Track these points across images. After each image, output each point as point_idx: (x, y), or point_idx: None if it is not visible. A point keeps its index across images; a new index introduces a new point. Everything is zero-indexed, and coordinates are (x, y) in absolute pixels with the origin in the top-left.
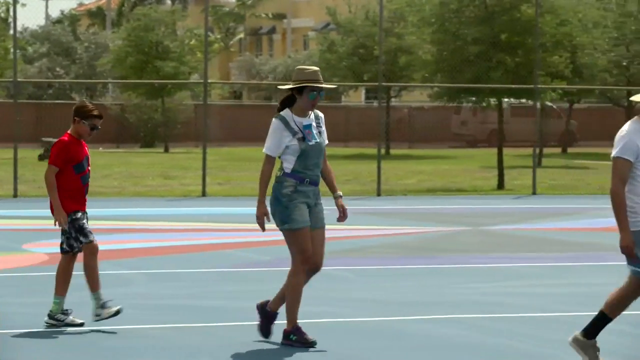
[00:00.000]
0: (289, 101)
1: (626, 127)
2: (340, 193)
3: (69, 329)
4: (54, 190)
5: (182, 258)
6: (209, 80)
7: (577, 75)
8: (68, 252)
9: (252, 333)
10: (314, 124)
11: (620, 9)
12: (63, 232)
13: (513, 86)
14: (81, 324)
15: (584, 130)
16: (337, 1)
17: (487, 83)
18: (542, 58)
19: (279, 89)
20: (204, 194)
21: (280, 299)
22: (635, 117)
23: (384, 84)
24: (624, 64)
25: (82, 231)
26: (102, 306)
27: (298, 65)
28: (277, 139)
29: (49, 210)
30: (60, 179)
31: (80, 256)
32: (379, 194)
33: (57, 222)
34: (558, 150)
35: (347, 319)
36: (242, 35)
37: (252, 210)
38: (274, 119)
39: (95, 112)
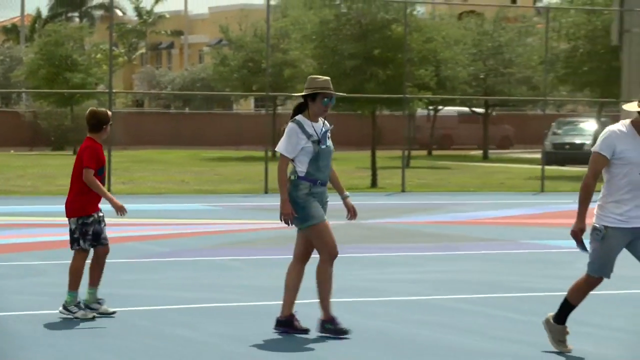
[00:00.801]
0: (301, 108)
1: (612, 127)
2: (348, 193)
3: None
4: (101, 188)
5: None
6: (114, 90)
7: (441, 87)
8: (78, 250)
9: (143, 317)
10: (323, 128)
11: (478, 29)
12: (70, 233)
13: (385, 96)
14: (113, 313)
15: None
16: (229, 20)
17: (363, 93)
18: (410, 71)
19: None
20: (109, 191)
21: (289, 302)
22: (626, 121)
23: (271, 93)
24: (482, 76)
25: (84, 237)
26: (78, 306)
27: (193, 76)
28: (294, 141)
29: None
30: (80, 183)
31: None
32: (266, 192)
33: (120, 213)
34: (440, 152)
35: (237, 304)
36: (143, 50)
37: (152, 206)
38: (290, 123)
39: (109, 116)
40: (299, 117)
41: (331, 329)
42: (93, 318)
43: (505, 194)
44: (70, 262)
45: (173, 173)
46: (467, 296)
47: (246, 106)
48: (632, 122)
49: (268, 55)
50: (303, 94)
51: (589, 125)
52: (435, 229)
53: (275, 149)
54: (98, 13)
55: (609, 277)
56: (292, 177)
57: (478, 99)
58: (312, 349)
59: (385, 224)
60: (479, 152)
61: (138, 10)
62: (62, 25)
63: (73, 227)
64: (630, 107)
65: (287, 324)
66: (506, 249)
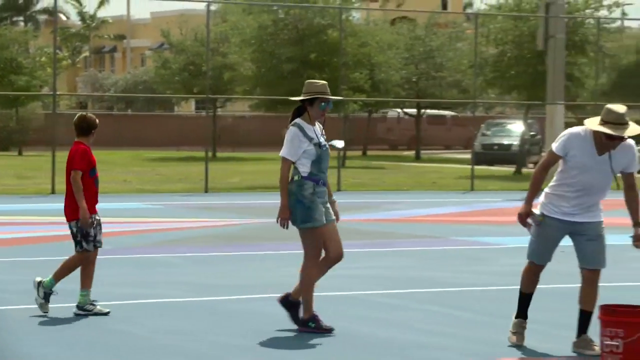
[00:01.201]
0: (299, 111)
1: (574, 129)
2: (335, 199)
3: None
4: (80, 193)
5: (34, 248)
6: (58, 92)
7: (375, 89)
8: (80, 252)
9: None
10: (319, 131)
11: (410, 34)
12: (72, 236)
13: None
14: (107, 313)
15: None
16: (170, 24)
17: (299, 95)
18: (345, 74)
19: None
20: (53, 191)
21: (307, 300)
22: (588, 128)
23: (211, 96)
24: (414, 80)
25: (86, 238)
26: (45, 297)
27: (135, 79)
28: (296, 145)
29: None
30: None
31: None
32: (206, 191)
33: (82, 224)
34: (375, 152)
35: (178, 300)
36: (87, 54)
37: (101, 205)
38: (291, 127)
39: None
40: (299, 121)
41: (314, 326)
42: (107, 313)
43: (437, 192)
44: (66, 258)
45: (116, 173)
46: (400, 291)
47: (187, 108)
48: (593, 131)
49: (208, 59)
50: (301, 98)
51: (517, 126)
52: (370, 227)
53: (280, 154)
54: (42, 17)
55: (539, 262)
56: (296, 178)
57: (410, 102)
58: (252, 342)
59: None
60: (412, 153)
61: (81, 14)
62: (7, 29)
63: (74, 230)
64: (591, 123)
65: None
66: (437, 245)
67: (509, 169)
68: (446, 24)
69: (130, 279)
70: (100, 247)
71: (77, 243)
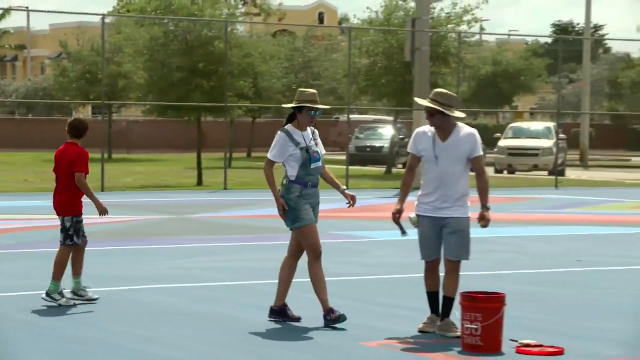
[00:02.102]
0: (291, 118)
1: (419, 129)
2: (345, 187)
3: None
4: (89, 190)
5: None
6: None
7: (258, 96)
8: (69, 245)
9: None
10: (310, 136)
11: (290, 45)
12: (64, 230)
13: (209, 104)
14: (97, 298)
15: (264, 138)
16: (67, 35)
17: (188, 102)
18: (231, 82)
19: (20, 105)
20: None
21: (282, 293)
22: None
23: (106, 102)
24: (294, 87)
25: (77, 233)
26: (61, 294)
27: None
28: (282, 148)
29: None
30: (75, 185)
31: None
32: (102, 190)
33: (102, 214)
34: (259, 153)
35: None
36: None
37: (4, 203)
38: (279, 132)
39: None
40: (288, 127)
41: (330, 319)
42: (74, 305)
43: None
44: (55, 254)
45: (18, 173)
46: (274, 281)
47: (84, 113)
48: (292, 123)
49: (103, 68)
50: (292, 105)
51: (387, 130)
52: (253, 222)
53: (268, 155)
54: None
55: (426, 259)
56: (284, 182)
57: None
58: (132, 329)
59: (209, 217)
60: None
61: None
62: None
63: (68, 224)
64: (421, 101)
65: (280, 313)
66: None
67: (380, 169)
68: (322, 37)
69: (32, 271)
70: (86, 238)
71: (68, 237)
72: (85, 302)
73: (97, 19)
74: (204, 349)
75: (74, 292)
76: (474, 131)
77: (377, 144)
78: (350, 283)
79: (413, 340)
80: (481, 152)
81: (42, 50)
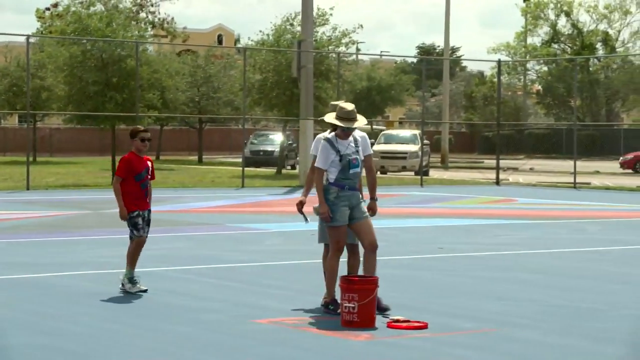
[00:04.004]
0: (334, 127)
1: (320, 135)
2: (376, 198)
3: None
4: (120, 195)
5: None
6: None
7: (165, 107)
8: (132, 239)
9: None
10: (352, 144)
11: (193, 63)
12: (128, 225)
13: (121, 114)
14: (145, 290)
15: (172, 143)
16: None
17: (104, 112)
18: (141, 95)
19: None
20: None
21: (328, 286)
22: (332, 132)
23: (31, 111)
24: (197, 99)
25: (135, 227)
26: (130, 281)
27: None
28: (326, 156)
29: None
30: (125, 186)
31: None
32: (28, 189)
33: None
34: (166, 157)
35: (2, 277)
36: None
37: None
38: (322, 141)
39: (141, 129)
40: (330, 135)
41: (332, 309)
42: (144, 290)
43: (215, 189)
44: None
45: None
46: (185, 267)
47: (12, 121)
48: (336, 133)
49: (28, 82)
50: (329, 120)
51: (277, 137)
52: (161, 217)
53: (315, 165)
54: None
55: (327, 242)
56: (325, 184)
57: (194, 117)
58: (63, 311)
59: None
60: (196, 157)
61: None
62: None
63: (128, 221)
64: (328, 117)
65: (334, 302)
66: (215, 231)
67: (272, 170)
68: (221, 56)
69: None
70: (145, 236)
71: (130, 231)
72: (126, 292)
73: (22, 39)
74: (109, 326)
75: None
76: (364, 134)
77: (269, 148)
78: (245, 269)
79: (300, 318)
80: (372, 151)
81: None
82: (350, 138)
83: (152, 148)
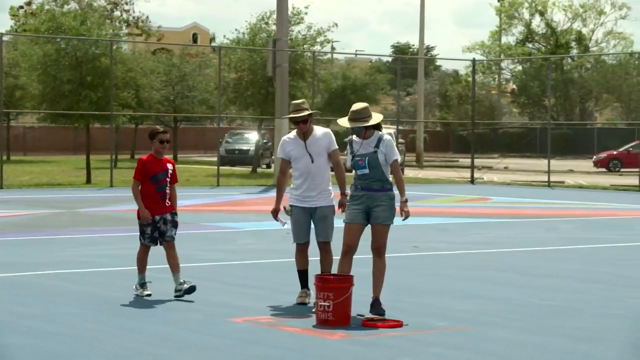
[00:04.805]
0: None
1: (285, 136)
2: (406, 198)
3: None
4: (139, 197)
5: None
6: None
7: (140, 106)
8: (142, 243)
9: None
10: (369, 145)
11: (168, 62)
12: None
13: (96, 112)
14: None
15: (146, 142)
16: None
17: (78, 110)
18: (116, 94)
19: None
20: None
21: (375, 284)
22: (294, 131)
23: (4, 110)
24: (172, 98)
25: (142, 233)
26: (142, 286)
27: None
28: (348, 155)
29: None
30: (141, 189)
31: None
32: (1, 187)
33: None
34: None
35: None
36: None
37: None
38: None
39: (160, 130)
40: (351, 136)
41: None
42: (147, 295)
43: (190, 188)
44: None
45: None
46: (159, 266)
47: None
48: (296, 132)
49: (1, 80)
50: (341, 122)
51: (253, 135)
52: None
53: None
54: None
55: (299, 241)
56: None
57: (169, 115)
58: (39, 311)
59: (97, 211)
60: (171, 156)
61: None
62: None
63: (138, 225)
64: (342, 122)
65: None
66: (190, 230)
67: (247, 169)
68: (196, 54)
69: None
70: (171, 241)
71: (140, 235)
72: (184, 294)
73: None
74: (86, 325)
75: (176, 289)
76: (328, 130)
77: (244, 147)
78: (219, 267)
79: (274, 316)
80: (336, 147)
81: None
82: (372, 137)
83: (126, 147)
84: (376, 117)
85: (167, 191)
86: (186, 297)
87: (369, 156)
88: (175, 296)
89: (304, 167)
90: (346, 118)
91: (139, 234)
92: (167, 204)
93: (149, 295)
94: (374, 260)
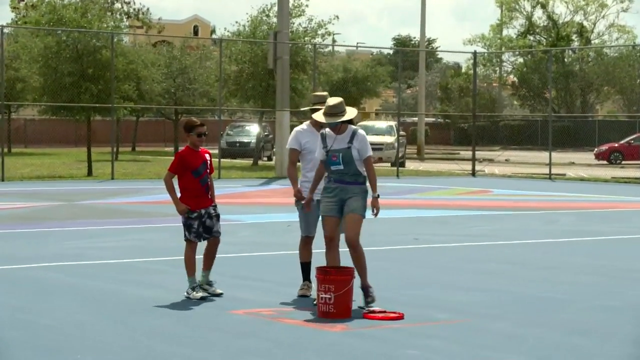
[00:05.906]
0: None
1: (298, 127)
2: (377, 194)
3: None
4: (171, 190)
5: None
6: None
7: (141, 98)
8: (188, 241)
9: None
10: (343, 141)
11: (169, 54)
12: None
13: (97, 105)
14: (221, 294)
15: (147, 134)
16: None
17: (79, 103)
18: (117, 86)
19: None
20: None
21: (359, 272)
22: (308, 121)
23: (5, 102)
24: (172, 91)
25: (188, 229)
26: (194, 289)
27: None
28: (319, 149)
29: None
30: (182, 182)
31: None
32: (3, 180)
33: (181, 214)
34: (142, 148)
35: None
36: None
37: None
38: (320, 133)
39: (197, 123)
40: (327, 129)
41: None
42: (201, 298)
43: None
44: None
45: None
46: (158, 259)
47: None
48: (311, 122)
49: (2, 72)
50: (319, 118)
51: (254, 128)
52: (136, 208)
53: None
54: None
55: (310, 234)
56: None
57: (170, 108)
58: (33, 304)
59: (98, 204)
60: (172, 148)
61: None
62: None
63: (182, 220)
64: (317, 116)
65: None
66: None
67: (248, 162)
68: (197, 47)
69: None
70: (218, 236)
71: (184, 232)
72: (211, 295)
73: None
74: (81, 318)
75: (199, 286)
76: (363, 133)
77: (245, 140)
78: (219, 260)
79: (275, 309)
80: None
81: None
82: (344, 133)
83: (127, 139)
84: (351, 112)
85: (210, 183)
86: (183, 289)
87: (343, 152)
88: (203, 289)
89: (317, 160)
90: (321, 112)
91: (184, 230)
92: (209, 197)
93: (203, 298)
94: (350, 252)
